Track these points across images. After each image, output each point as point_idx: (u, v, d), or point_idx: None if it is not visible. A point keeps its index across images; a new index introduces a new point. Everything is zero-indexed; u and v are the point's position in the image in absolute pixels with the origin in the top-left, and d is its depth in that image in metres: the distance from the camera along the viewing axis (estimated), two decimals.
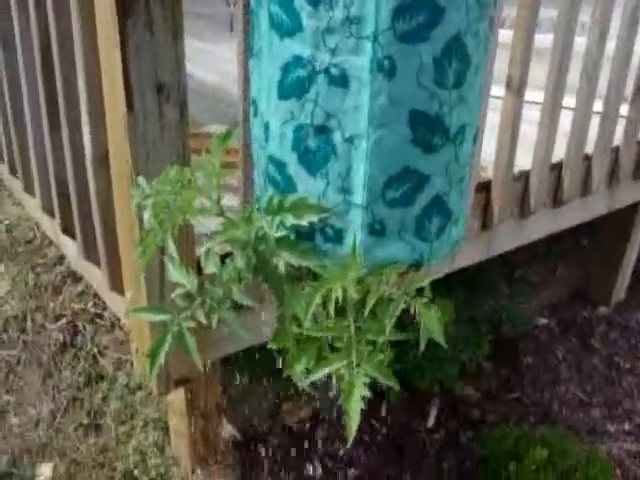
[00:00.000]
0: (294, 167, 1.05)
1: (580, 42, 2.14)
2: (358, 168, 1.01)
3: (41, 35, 1.86)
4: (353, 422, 1.00)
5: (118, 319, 2.50)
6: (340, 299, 0.99)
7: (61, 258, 2.68)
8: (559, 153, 2.32)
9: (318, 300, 0.99)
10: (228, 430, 2.35)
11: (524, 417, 2.74)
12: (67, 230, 2.12)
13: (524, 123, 2.09)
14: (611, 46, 2.28)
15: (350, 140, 0.99)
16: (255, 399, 2.46)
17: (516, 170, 2.20)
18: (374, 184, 1.02)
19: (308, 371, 1.10)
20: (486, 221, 2.22)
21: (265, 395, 2.48)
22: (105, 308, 2.55)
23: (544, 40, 2.19)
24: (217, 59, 3.18)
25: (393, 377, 1.01)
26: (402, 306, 1.01)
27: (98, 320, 2.56)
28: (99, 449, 2.27)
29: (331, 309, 0.99)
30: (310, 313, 1.00)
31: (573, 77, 2.17)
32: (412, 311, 1.02)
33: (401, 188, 1.03)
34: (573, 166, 2.37)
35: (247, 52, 1.19)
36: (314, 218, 1.02)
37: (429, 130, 1.01)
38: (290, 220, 1.02)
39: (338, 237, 1.07)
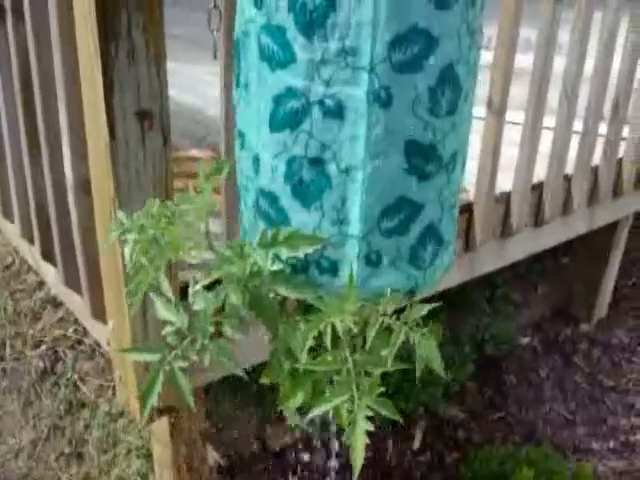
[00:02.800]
0: (287, 200, 1.04)
1: (558, 62, 2.15)
2: (354, 199, 1.00)
3: (21, 60, 1.84)
4: (359, 458, 0.98)
5: (99, 345, 2.46)
6: (339, 332, 0.98)
7: (41, 284, 2.64)
8: (539, 173, 2.32)
9: (315, 334, 0.97)
10: (213, 456, 2.32)
11: (509, 436, 2.74)
12: (47, 256, 2.09)
13: (503, 144, 2.09)
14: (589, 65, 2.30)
15: (346, 171, 0.98)
16: (239, 424, 2.43)
17: (497, 191, 2.21)
18: (370, 214, 1.01)
19: (303, 405, 1.08)
20: (469, 242, 2.22)
21: (249, 420, 2.45)
22: (86, 334, 2.51)
23: (521, 61, 2.20)
24: (194, 81, 3.16)
25: (394, 409, 1.00)
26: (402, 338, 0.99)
27: (79, 346, 2.52)
28: (81, 478, 2.23)
29: (328, 342, 0.98)
30: (307, 348, 0.98)
31: (551, 97, 2.18)
32: (411, 342, 1.01)
33: (396, 217, 1.02)
34: (554, 186, 2.38)
35: (231, 82, 1.17)
36: (309, 249, 1.01)
37: (423, 159, 1.00)
38: (285, 253, 1.00)
39: (334, 269, 1.06)
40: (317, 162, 0.99)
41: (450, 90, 0.99)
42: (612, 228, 3.08)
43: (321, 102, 0.95)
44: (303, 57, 0.94)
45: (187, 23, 3.32)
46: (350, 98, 0.94)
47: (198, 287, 1.03)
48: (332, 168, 0.99)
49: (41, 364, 2.48)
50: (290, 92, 0.97)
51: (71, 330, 2.56)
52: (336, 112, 0.95)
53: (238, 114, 1.12)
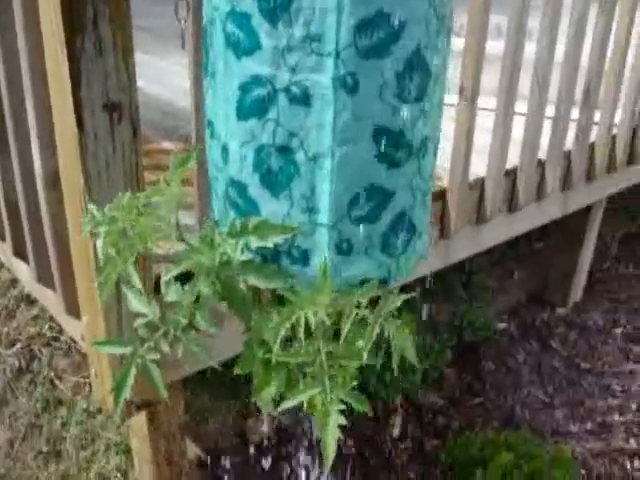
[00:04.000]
0: (256, 189, 1.03)
1: (528, 48, 2.16)
2: (323, 187, 0.99)
3: None
4: (330, 451, 0.98)
5: (75, 342, 2.44)
6: (312, 324, 0.97)
7: (14, 281, 2.61)
8: (512, 159, 2.33)
9: (288, 326, 0.97)
10: (192, 450, 2.31)
11: (488, 422, 2.76)
12: (19, 253, 2.06)
13: (476, 130, 2.10)
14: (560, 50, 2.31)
15: (314, 159, 0.98)
16: (218, 417, 2.42)
17: (471, 178, 2.21)
18: (339, 202, 1.00)
19: (277, 396, 1.08)
20: (443, 229, 2.23)
21: (228, 413, 2.45)
22: (61, 331, 2.49)
23: (493, 47, 2.20)
24: (163, 72, 3.13)
25: (366, 403, 1.00)
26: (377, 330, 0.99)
27: (54, 343, 2.50)
28: (60, 476, 2.21)
29: (301, 334, 0.97)
30: (279, 339, 0.98)
31: (522, 83, 2.19)
32: (386, 334, 1.01)
33: (367, 205, 1.02)
34: (527, 172, 2.39)
35: (200, 72, 1.16)
36: (279, 239, 1.00)
37: (393, 145, 0.99)
38: (254, 242, 1.00)
39: (304, 258, 1.05)
40: (285, 150, 0.98)
41: (418, 75, 0.98)
42: (586, 212, 3.11)
43: (287, 89, 0.94)
44: (268, 44, 0.93)
45: (152, 15, 3.28)
46: (316, 85, 0.94)
47: (167, 278, 1.02)
48: (300, 156, 0.98)
49: (16, 362, 2.46)
50: (256, 80, 0.96)
51: (46, 327, 2.54)
52: (302, 99, 0.95)
53: (207, 103, 1.11)
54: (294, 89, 0.94)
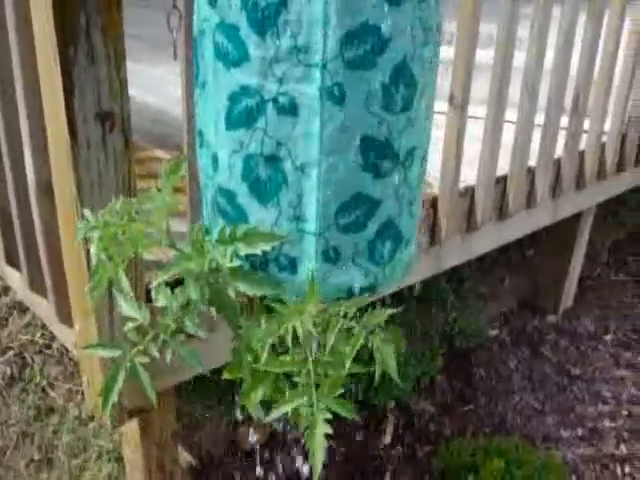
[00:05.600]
0: (244, 197, 1.04)
1: (518, 57, 2.18)
2: (310, 196, 1.00)
3: None
4: (318, 461, 0.99)
5: (67, 349, 2.44)
6: (299, 334, 0.98)
7: (6, 289, 2.61)
8: (502, 166, 2.35)
9: (275, 336, 0.98)
10: (184, 457, 2.31)
11: (480, 428, 2.77)
12: (11, 261, 2.07)
13: (465, 138, 2.11)
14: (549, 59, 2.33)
15: (301, 168, 0.99)
16: (210, 425, 2.43)
17: (461, 185, 2.23)
18: (327, 211, 1.02)
19: (265, 401, 1.09)
20: (434, 236, 2.24)
21: (220, 420, 2.45)
22: (53, 339, 2.50)
23: (482, 56, 2.22)
24: (155, 81, 3.15)
25: (353, 410, 1.01)
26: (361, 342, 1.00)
27: (46, 351, 2.51)
28: None
29: (289, 343, 0.98)
30: (267, 349, 0.99)
31: (512, 91, 2.21)
32: (369, 346, 1.02)
33: (353, 214, 1.03)
34: (517, 179, 2.41)
35: (191, 81, 1.17)
36: (267, 246, 1.01)
37: (379, 155, 1.01)
38: (243, 249, 1.01)
39: (292, 266, 1.06)
40: (273, 160, 0.99)
41: (404, 86, 1.00)
42: (576, 219, 3.13)
43: (275, 100, 0.96)
44: (256, 55, 0.94)
45: (145, 23, 3.29)
46: (303, 95, 0.95)
47: (156, 283, 1.03)
48: (288, 165, 0.99)
49: (8, 370, 2.46)
50: (244, 90, 0.97)
51: (38, 335, 2.54)
52: (290, 109, 0.96)
53: (197, 113, 1.13)
54: (282, 99, 0.96)
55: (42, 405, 2.39)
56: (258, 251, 1.01)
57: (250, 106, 0.97)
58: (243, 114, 0.98)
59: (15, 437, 2.31)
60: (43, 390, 2.42)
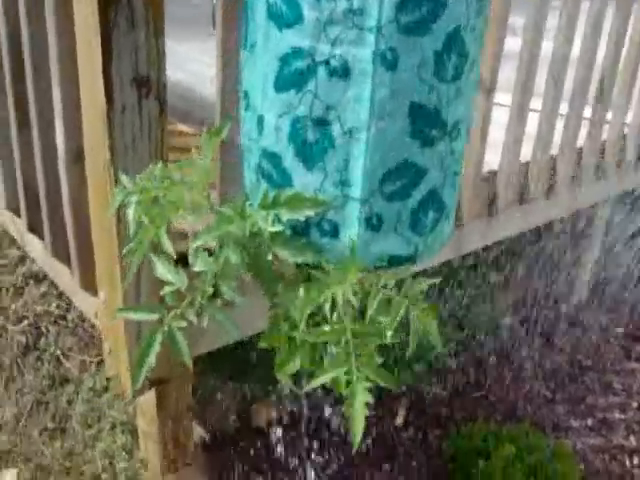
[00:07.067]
0: (290, 160, 1.04)
1: (545, 46, 2.18)
2: (357, 161, 1.00)
3: (9, 21, 1.80)
4: (358, 429, 0.99)
5: (83, 320, 2.45)
6: (338, 304, 0.98)
7: (22, 258, 2.61)
8: (525, 154, 2.35)
9: (314, 305, 0.98)
10: (197, 432, 2.32)
11: (491, 414, 2.77)
12: (33, 229, 2.07)
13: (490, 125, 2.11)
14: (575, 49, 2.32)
15: (349, 132, 0.98)
16: (225, 400, 2.43)
17: (484, 170, 2.23)
18: (372, 177, 1.01)
19: (297, 372, 1.09)
20: (456, 220, 2.24)
21: (234, 396, 2.46)
22: (69, 309, 2.49)
23: (510, 44, 2.21)
24: (179, 57, 3.14)
25: (392, 379, 1.01)
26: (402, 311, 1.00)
27: (62, 322, 2.50)
28: (65, 453, 2.21)
29: (327, 313, 0.98)
30: (305, 318, 0.99)
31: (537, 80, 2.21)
32: (410, 316, 1.02)
33: (399, 181, 1.03)
34: (540, 166, 2.41)
35: (239, 44, 1.16)
36: (311, 212, 1.01)
37: (427, 123, 1.00)
38: (286, 215, 1.01)
39: (335, 231, 1.06)
40: (321, 123, 0.99)
41: (456, 56, 0.99)
42: (592, 210, 3.12)
43: (327, 62, 0.95)
44: (311, 16, 0.94)
45: (174, 3, 3.30)
46: (356, 59, 0.94)
47: (198, 244, 1.02)
48: (336, 129, 0.99)
49: (23, 339, 2.46)
50: (296, 52, 0.97)
51: (54, 305, 2.54)
52: (341, 73, 0.95)
53: (243, 75, 1.12)
54: (334, 62, 0.95)
55: (56, 375, 2.39)
56: (301, 217, 1.01)
57: (301, 68, 0.97)
58: (294, 76, 0.98)
59: (29, 406, 2.32)
60: (58, 360, 2.42)
